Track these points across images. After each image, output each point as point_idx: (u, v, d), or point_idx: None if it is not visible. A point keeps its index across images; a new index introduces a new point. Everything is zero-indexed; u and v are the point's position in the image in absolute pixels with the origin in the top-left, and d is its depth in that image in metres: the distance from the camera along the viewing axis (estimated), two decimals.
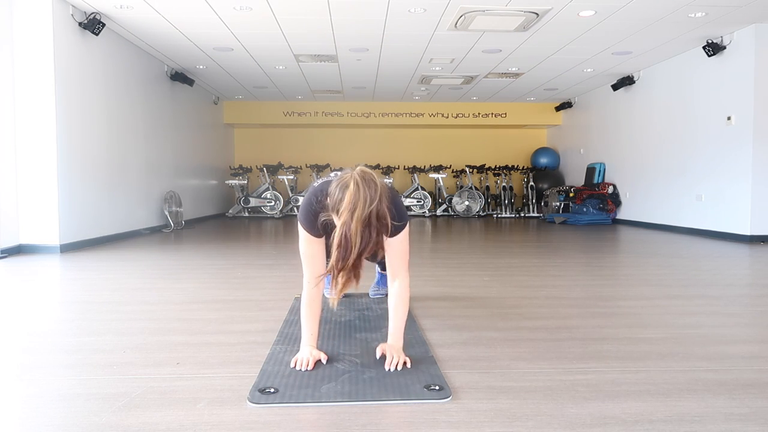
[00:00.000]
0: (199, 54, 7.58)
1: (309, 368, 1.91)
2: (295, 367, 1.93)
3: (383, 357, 1.99)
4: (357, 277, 1.88)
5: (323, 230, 1.98)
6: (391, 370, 1.91)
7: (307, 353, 1.97)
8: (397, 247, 2.01)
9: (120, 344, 2.29)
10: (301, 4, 5.53)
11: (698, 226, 7.25)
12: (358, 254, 1.77)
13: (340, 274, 1.81)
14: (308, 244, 2.02)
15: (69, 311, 2.93)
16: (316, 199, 1.97)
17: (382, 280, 3.12)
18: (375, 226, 1.78)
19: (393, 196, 1.97)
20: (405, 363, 1.95)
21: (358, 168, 1.83)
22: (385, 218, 1.81)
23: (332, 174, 2.07)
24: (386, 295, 3.08)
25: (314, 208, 1.96)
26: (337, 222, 1.79)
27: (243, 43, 7.04)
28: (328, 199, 1.85)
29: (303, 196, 11.13)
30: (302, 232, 2.02)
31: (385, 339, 2.24)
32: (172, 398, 1.72)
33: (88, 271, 4.30)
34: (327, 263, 1.99)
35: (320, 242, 2.03)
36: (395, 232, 1.97)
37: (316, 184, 2.08)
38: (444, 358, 2.10)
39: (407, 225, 2.05)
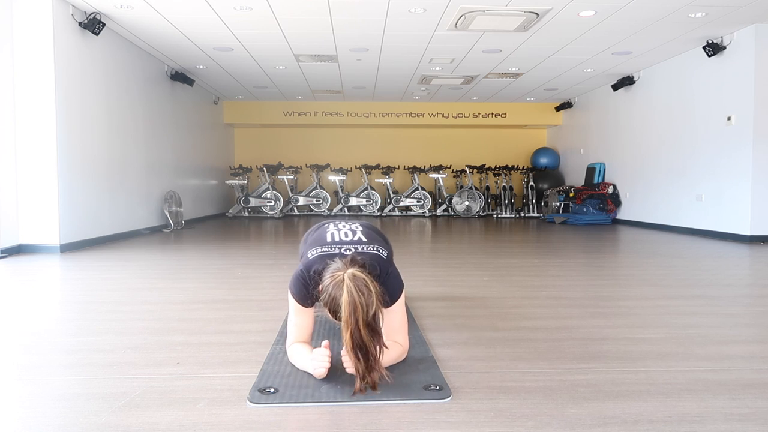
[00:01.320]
0: (199, 54, 7.58)
1: (328, 365, 1.82)
2: (318, 373, 1.83)
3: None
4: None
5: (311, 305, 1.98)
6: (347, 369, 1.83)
7: (313, 361, 1.85)
8: (393, 317, 1.99)
9: (120, 344, 2.29)
10: (301, 4, 5.53)
11: (698, 226, 7.25)
12: (375, 353, 1.75)
13: (362, 376, 1.75)
14: (298, 315, 1.98)
15: (69, 311, 2.93)
16: (308, 279, 1.92)
17: None
18: (376, 323, 1.77)
19: (386, 276, 1.94)
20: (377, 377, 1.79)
21: (350, 271, 1.76)
22: (379, 321, 1.79)
23: (325, 249, 2.01)
24: None
25: (307, 287, 1.93)
26: (344, 335, 1.72)
27: (243, 43, 7.04)
28: (321, 290, 1.82)
29: (304, 196, 11.19)
30: (293, 302, 1.97)
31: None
32: (172, 398, 1.72)
33: (88, 271, 4.30)
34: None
35: (310, 312, 1.99)
36: (390, 304, 1.95)
37: (308, 259, 1.99)
38: (444, 358, 2.10)
39: (403, 294, 2.02)
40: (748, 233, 6.39)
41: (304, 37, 6.75)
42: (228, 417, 1.58)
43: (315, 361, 1.83)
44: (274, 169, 11.18)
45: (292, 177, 11.32)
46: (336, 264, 1.83)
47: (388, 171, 11.55)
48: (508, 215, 11.26)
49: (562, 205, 10.62)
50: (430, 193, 11.57)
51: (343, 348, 1.78)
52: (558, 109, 11.70)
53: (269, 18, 5.97)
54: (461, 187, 11.62)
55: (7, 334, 2.48)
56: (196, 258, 4.99)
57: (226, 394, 1.75)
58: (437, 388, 1.76)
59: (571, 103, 11.32)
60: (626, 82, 8.84)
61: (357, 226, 2.18)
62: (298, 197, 11.27)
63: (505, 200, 11.30)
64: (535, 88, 10.08)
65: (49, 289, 3.60)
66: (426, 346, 2.21)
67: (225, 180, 11.49)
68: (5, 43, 5.23)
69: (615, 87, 9.16)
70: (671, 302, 3.13)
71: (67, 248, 5.51)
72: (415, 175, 11.40)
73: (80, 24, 5.73)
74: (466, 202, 11.17)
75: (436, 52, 7.48)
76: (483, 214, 11.30)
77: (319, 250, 2.01)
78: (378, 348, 1.74)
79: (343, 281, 1.74)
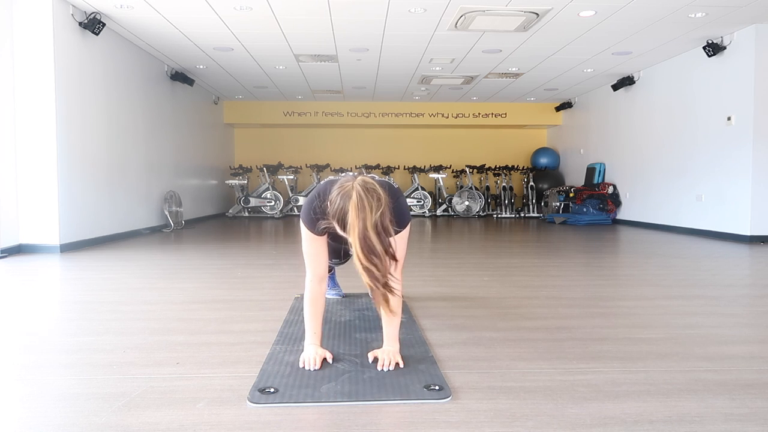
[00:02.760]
0: (199, 54, 7.58)
1: (317, 367, 1.91)
2: (303, 366, 1.93)
3: (374, 360, 2.00)
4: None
5: (323, 232, 1.99)
6: (384, 369, 1.91)
7: (313, 352, 1.96)
8: (395, 247, 2.00)
9: (120, 344, 2.29)
10: (301, 4, 5.53)
11: (698, 226, 7.25)
12: (384, 259, 1.75)
13: (382, 284, 1.77)
14: (310, 242, 2.01)
15: (69, 311, 2.93)
16: (318, 199, 1.95)
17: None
18: (385, 231, 1.77)
19: (396, 197, 1.96)
20: (398, 364, 1.95)
21: (360, 178, 1.81)
22: (389, 228, 1.80)
23: (335, 177, 2.06)
24: (344, 296, 3.16)
25: (315, 210, 1.94)
26: (352, 236, 1.73)
27: (243, 43, 7.04)
28: (329, 205, 1.83)
29: (304, 196, 11.18)
30: (304, 230, 2.01)
31: None
32: (172, 398, 1.72)
33: (88, 271, 4.29)
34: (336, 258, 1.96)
35: (323, 240, 2.02)
36: (397, 232, 1.96)
37: (319, 184, 2.06)
38: (444, 358, 2.10)
39: (409, 225, 2.04)
40: (748, 233, 6.39)
41: (304, 37, 6.75)
42: (228, 417, 1.58)
43: (308, 355, 1.95)
44: (274, 169, 11.18)
45: (292, 177, 11.32)
46: (345, 178, 1.85)
47: (388, 171, 11.55)
48: (508, 215, 11.26)
49: (562, 205, 10.62)
50: (430, 193, 11.57)
51: (370, 358, 1.87)
52: (558, 109, 11.70)
53: (269, 18, 5.97)
54: (461, 187, 11.62)
55: (7, 334, 2.48)
56: (196, 258, 4.99)
57: (226, 394, 1.75)
58: (437, 388, 1.76)
59: (571, 103, 11.32)
60: (626, 82, 8.84)
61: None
62: (298, 197, 11.27)
63: (505, 200, 11.30)
64: (535, 88, 10.08)
65: (49, 289, 3.60)
66: (426, 346, 2.21)
67: (225, 180, 11.49)
68: (5, 43, 5.23)
69: (615, 87, 9.16)
70: (671, 302, 3.13)
71: (67, 248, 5.51)
72: (415, 175, 11.40)
73: (80, 24, 5.73)
74: (466, 202, 11.17)
75: (436, 52, 7.48)
76: (483, 214, 11.30)
77: (329, 179, 2.06)
78: (388, 258, 1.75)
79: (352, 188, 1.76)
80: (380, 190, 1.78)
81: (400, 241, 2.00)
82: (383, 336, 2.04)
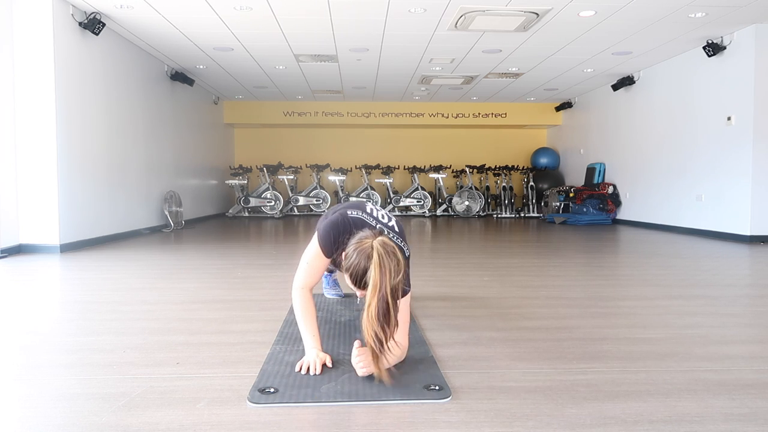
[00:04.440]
0: (199, 54, 7.58)
1: (317, 372, 1.88)
2: (301, 371, 1.89)
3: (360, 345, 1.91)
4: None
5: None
6: (357, 367, 1.84)
7: (314, 356, 1.93)
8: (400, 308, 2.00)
9: (120, 344, 2.29)
10: (301, 4, 5.53)
11: (698, 226, 7.25)
12: (393, 325, 1.76)
13: (383, 346, 1.75)
14: (317, 259, 2.05)
15: (69, 311, 2.93)
16: (344, 234, 1.98)
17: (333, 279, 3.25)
18: (399, 296, 1.80)
19: (407, 263, 2.01)
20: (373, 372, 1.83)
21: (380, 238, 1.81)
22: (400, 293, 1.82)
23: (362, 212, 2.09)
24: (344, 296, 3.19)
25: (335, 241, 2.00)
26: (371, 300, 1.73)
27: (243, 43, 7.04)
28: (344, 257, 1.87)
29: (304, 196, 11.18)
30: (318, 250, 2.04)
31: None
32: (172, 398, 1.72)
33: (88, 271, 4.29)
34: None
35: (326, 262, 2.08)
36: (402, 295, 1.97)
37: (349, 214, 2.07)
38: (444, 358, 2.10)
39: (409, 295, 2.04)
40: (748, 233, 6.39)
41: (304, 37, 6.75)
42: (228, 417, 1.58)
43: (311, 359, 1.91)
44: (274, 169, 11.18)
45: (292, 177, 11.32)
46: (365, 233, 1.88)
47: (388, 171, 11.55)
48: (508, 215, 11.26)
49: (562, 205, 10.62)
50: (430, 193, 11.57)
51: (355, 345, 1.84)
52: (558, 109, 11.70)
53: (269, 18, 5.97)
54: (461, 187, 11.62)
55: (7, 334, 2.48)
56: (196, 258, 4.99)
57: (226, 394, 1.75)
58: (437, 388, 1.76)
59: (571, 103, 11.32)
60: (626, 82, 8.84)
61: (392, 215, 2.26)
62: (298, 197, 11.27)
63: (505, 200, 11.30)
64: (535, 88, 10.08)
65: (49, 289, 3.60)
66: (426, 346, 2.20)
67: (225, 180, 11.49)
68: (5, 43, 5.23)
69: (615, 87, 9.16)
70: (671, 302, 3.13)
71: (67, 248, 5.51)
72: (415, 175, 11.40)
73: (80, 24, 5.73)
74: (466, 202, 11.17)
75: (436, 52, 7.48)
76: (483, 214, 11.30)
77: (360, 214, 2.09)
78: (395, 324, 1.76)
79: (372, 248, 1.78)
80: (398, 254, 1.80)
81: (404, 305, 1.98)
82: None
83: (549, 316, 2.80)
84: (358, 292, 1.88)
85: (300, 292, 2.04)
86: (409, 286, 2.04)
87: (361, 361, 1.83)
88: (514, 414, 1.60)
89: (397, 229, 2.15)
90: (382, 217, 2.17)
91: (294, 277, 2.09)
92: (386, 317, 1.72)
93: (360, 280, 1.81)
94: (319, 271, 2.08)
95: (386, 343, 1.73)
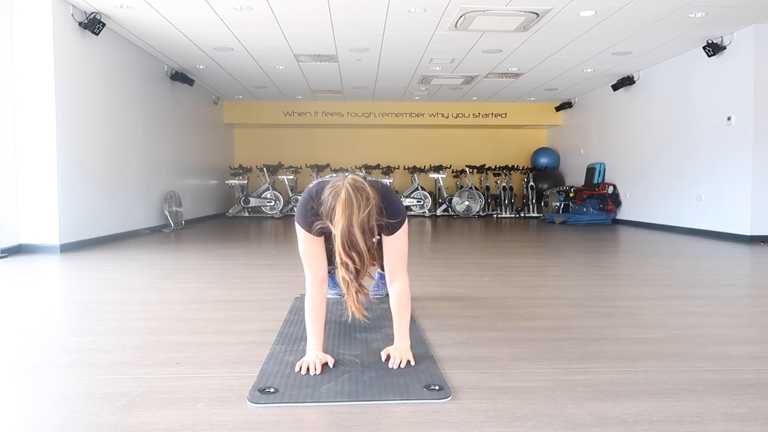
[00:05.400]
0: (199, 54, 7.58)
1: (317, 372, 1.88)
2: (301, 371, 1.89)
3: (387, 358, 2.00)
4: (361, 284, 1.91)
5: (319, 233, 2.00)
6: (394, 367, 1.92)
7: (314, 356, 1.93)
8: (394, 246, 2.01)
9: (120, 344, 2.29)
10: (301, 4, 5.53)
11: (698, 226, 7.25)
12: (365, 257, 1.80)
13: (356, 281, 1.83)
14: (307, 244, 2.01)
15: (69, 311, 2.93)
16: (311, 200, 1.97)
17: (383, 279, 3.13)
18: (371, 230, 1.82)
19: (387, 195, 1.98)
20: (408, 362, 1.96)
21: (350, 176, 1.86)
22: (374, 228, 1.85)
23: (329, 176, 2.07)
24: (386, 295, 3.09)
25: (309, 211, 1.97)
26: (336, 231, 1.79)
27: (243, 43, 7.04)
28: (321, 204, 1.88)
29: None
30: (300, 231, 2.01)
31: (385, 339, 2.24)
32: (172, 398, 1.72)
33: (88, 271, 4.29)
34: (329, 264, 2.03)
35: (319, 240, 2.01)
36: (392, 230, 1.97)
37: (312, 185, 2.08)
38: (444, 358, 2.10)
39: (405, 223, 2.03)
40: (748, 233, 6.39)
41: (304, 37, 6.75)
42: (228, 417, 1.58)
43: (310, 359, 1.92)
44: (274, 169, 11.18)
45: (292, 177, 11.32)
46: (337, 177, 1.91)
47: (388, 171, 11.55)
48: (508, 215, 11.26)
49: (562, 205, 10.62)
50: (430, 193, 11.57)
51: (383, 356, 1.88)
52: (558, 109, 11.70)
53: (269, 18, 5.97)
54: (461, 187, 11.62)
55: (7, 334, 2.48)
56: (196, 258, 4.99)
57: (226, 394, 1.75)
58: (437, 388, 1.76)
59: (571, 103, 11.32)
60: (626, 82, 8.84)
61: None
62: (299, 197, 11.26)
63: (505, 200, 11.30)
64: (535, 88, 10.08)
65: (49, 289, 3.60)
66: (426, 346, 2.20)
67: (225, 180, 11.49)
68: (5, 43, 5.23)
69: (615, 87, 9.16)
70: (671, 302, 3.13)
71: (67, 248, 5.51)
72: (415, 175, 11.40)
73: (80, 24, 5.73)
74: (466, 202, 11.17)
75: (436, 52, 7.48)
76: (483, 214, 11.30)
77: (323, 179, 2.09)
78: (369, 258, 1.80)
79: (342, 186, 1.82)
80: (369, 189, 1.83)
81: (397, 241, 2.00)
82: (394, 331, 2.04)
83: (549, 316, 2.80)
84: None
85: (310, 290, 2.02)
86: (402, 213, 2.01)
87: (398, 361, 1.92)
88: (514, 414, 1.60)
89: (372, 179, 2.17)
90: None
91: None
92: (354, 248, 1.76)
93: (330, 218, 1.83)
94: (316, 256, 2.01)
95: (361, 274, 1.80)
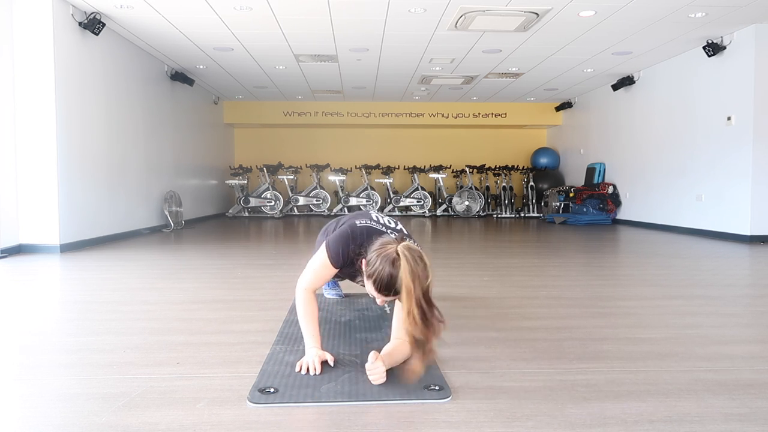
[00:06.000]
0: (199, 54, 7.58)
1: (317, 372, 1.86)
2: (301, 371, 1.88)
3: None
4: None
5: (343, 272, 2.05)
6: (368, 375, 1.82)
7: (313, 355, 1.92)
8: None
9: (120, 344, 2.29)
10: (301, 4, 5.53)
11: (698, 226, 7.25)
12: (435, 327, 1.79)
13: (429, 347, 1.79)
14: (324, 269, 2.05)
15: (69, 311, 2.93)
16: (354, 244, 1.99)
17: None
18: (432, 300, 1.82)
19: None
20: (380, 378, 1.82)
21: (403, 244, 1.82)
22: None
23: (372, 221, 2.07)
24: (345, 295, 3.20)
25: (348, 254, 1.99)
26: (408, 304, 1.73)
27: (243, 43, 7.04)
28: (365, 264, 1.87)
29: (304, 196, 11.18)
30: (326, 260, 2.03)
31: (385, 339, 2.24)
32: (172, 398, 1.72)
33: (88, 271, 4.29)
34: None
35: (334, 272, 2.07)
36: None
37: (357, 224, 2.07)
38: (444, 358, 2.10)
39: None
40: (748, 233, 6.39)
41: (304, 37, 6.75)
42: (228, 417, 1.58)
43: (310, 358, 1.90)
44: (274, 169, 11.18)
45: (292, 177, 11.32)
46: (385, 238, 1.89)
47: (388, 171, 11.55)
48: (508, 215, 11.26)
49: (562, 205, 10.62)
50: (430, 193, 11.57)
51: (371, 357, 1.79)
52: (558, 109, 11.70)
53: (269, 18, 5.97)
54: (461, 187, 11.61)
55: (7, 334, 2.48)
56: (196, 258, 4.99)
57: (226, 394, 1.75)
58: (437, 388, 1.76)
59: (571, 103, 11.32)
60: (626, 82, 8.84)
61: (395, 219, 2.27)
62: (298, 197, 11.27)
63: (505, 200, 11.29)
64: (535, 88, 10.08)
65: (49, 289, 3.60)
66: None
67: (225, 180, 11.48)
68: (5, 43, 5.23)
69: (615, 87, 9.15)
70: (671, 302, 3.13)
71: (67, 248, 5.51)
72: (415, 175, 11.40)
73: (80, 24, 5.73)
74: (466, 202, 11.17)
75: (436, 52, 7.48)
76: (483, 214, 11.30)
77: (367, 222, 2.09)
78: (437, 321, 1.77)
79: (398, 254, 1.78)
80: (425, 258, 1.81)
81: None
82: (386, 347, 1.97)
83: (549, 316, 2.80)
84: (379, 299, 1.88)
85: (303, 293, 2.04)
86: None
87: (375, 372, 1.78)
88: (514, 414, 1.60)
89: (406, 232, 2.18)
90: (389, 222, 2.19)
91: (299, 277, 2.09)
92: (425, 320, 1.73)
93: (385, 287, 1.81)
94: (324, 278, 2.08)
95: (430, 343, 1.76)
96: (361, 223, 2.10)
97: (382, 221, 2.17)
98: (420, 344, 1.75)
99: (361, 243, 1.96)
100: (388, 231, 2.10)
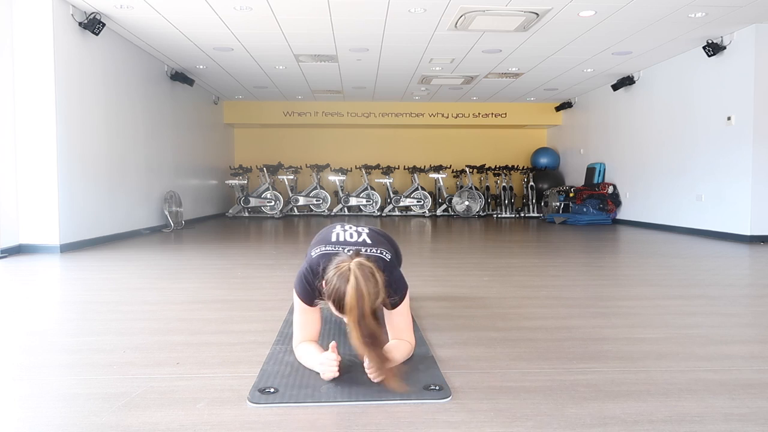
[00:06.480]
0: (199, 54, 7.58)
1: (337, 374, 1.81)
2: (327, 378, 1.82)
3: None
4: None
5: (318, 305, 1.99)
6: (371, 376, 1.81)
7: (323, 359, 1.82)
8: (398, 319, 1.99)
9: (120, 344, 2.29)
10: (301, 4, 5.53)
11: (698, 226, 7.25)
12: (380, 335, 1.75)
13: (378, 358, 1.74)
14: (303, 314, 1.98)
15: (69, 311, 2.93)
16: (311, 275, 1.93)
17: None
18: (380, 310, 1.80)
19: (390, 273, 1.93)
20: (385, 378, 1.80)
21: (356, 260, 1.77)
22: (383, 307, 1.83)
23: (329, 248, 2.00)
24: None
25: (311, 288, 1.93)
26: (349, 320, 1.71)
27: (243, 43, 7.04)
28: (325, 285, 1.81)
29: (304, 196, 11.18)
30: (298, 301, 1.98)
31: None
32: (172, 398, 1.72)
33: (88, 271, 4.29)
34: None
35: (316, 311, 1.99)
36: (395, 305, 1.96)
37: (313, 256, 2.00)
38: (444, 358, 2.10)
39: (407, 295, 2.02)
40: (748, 233, 6.39)
41: (304, 37, 6.75)
42: (228, 417, 1.58)
43: (324, 366, 1.81)
44: (274, 169, 11.18)
45: (292, 177, 11.32)
46: (341, 256, 1.84)
47: (388, 171, 11.55)
48: (508, 215, 11.26)
49: (562, 205, 10.62)
50: (430, 193, 11.57)
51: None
52: (558, 109, 11.70)
53: (269, 18, 5.97)
54: (461, 187, 11.61)
55: (7, 334, 2.48)
56: (196, 258, 4.99)
57: (226, 394, 1.75)
58: (437, 388, 1.76)
59: (571, 103, 11.32)
60: (626, 82, 8.84)
61: (363, 229, 2.17)
62: (298, 197, 11.27)
63: (505, 200, 11.29)
64: (535, 88, 10.08)
65: (49, 289, 3.60)
66: (426, 346, 2.20)
67: (225, 180, 11.49)
68: (5, 43, 5.23)
69: (615, 87, 9.16)
70: (671, 302, 3.13)
71: (67, 248, 5.51)
72: (415, 175, 11.40)
73: (80, 24, 5.73)
74: (466, 202, 11.17)
75: (436, 52, 7.48)
76: (483, 214, 11.30)
77: (323, 248, 2.02)
78: (382, 333, 1.74)
79: (349, 270, 1.74)
80: (377, 273, 1.76)
81: (400, 315, 1.98)
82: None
83: (549, 316, 2.80)
84: (342, 317, 1.81)
85: (297, 349, 1.99)
86: (404, 288, 2.00)
87: (373, 371, 1.77)
88: (514, 414, 1.60)
89: (369, 240, 2.06)
90: (350, 236, 2.08)
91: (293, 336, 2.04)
92: (372, 338, 1.68)
93: (341, 305, 1.75)
94: (311, 322, 1.99)
95: (383, 362, 1.71)
96: (316, 252, 2.01)
97: (341, 238, 2.06)
98: (374, 364, 1.71)
99: (324, 269, 1.86)
100: (346, 249, 1.99)
